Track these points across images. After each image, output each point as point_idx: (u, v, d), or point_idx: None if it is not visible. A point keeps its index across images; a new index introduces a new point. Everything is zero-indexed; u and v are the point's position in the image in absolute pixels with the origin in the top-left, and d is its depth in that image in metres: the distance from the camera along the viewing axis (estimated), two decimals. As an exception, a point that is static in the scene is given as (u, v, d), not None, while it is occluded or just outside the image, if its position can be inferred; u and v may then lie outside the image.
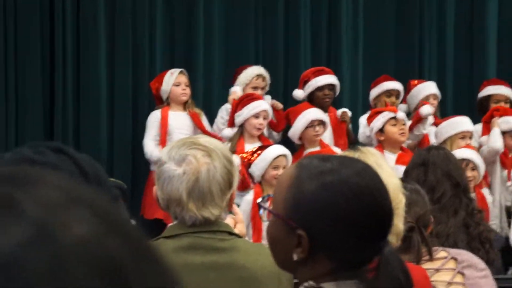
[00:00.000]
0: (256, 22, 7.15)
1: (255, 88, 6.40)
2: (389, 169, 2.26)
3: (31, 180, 0.54)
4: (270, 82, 6.59)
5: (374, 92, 6.64)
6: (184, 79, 6.30)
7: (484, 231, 3.76)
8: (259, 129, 5.96)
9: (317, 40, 7.25)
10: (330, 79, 6.43)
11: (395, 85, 6.63)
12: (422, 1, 7.38)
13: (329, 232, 1.57)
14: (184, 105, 6.31)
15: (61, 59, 6.78)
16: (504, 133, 6.18)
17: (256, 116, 5.93)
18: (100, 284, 0.52)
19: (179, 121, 6.24)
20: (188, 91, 6.29)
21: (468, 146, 5.77)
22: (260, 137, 6.03)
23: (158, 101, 6.38)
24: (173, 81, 6.26)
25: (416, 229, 2.66)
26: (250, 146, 5.76)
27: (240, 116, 5.97)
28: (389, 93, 6.59)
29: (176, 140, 6.22)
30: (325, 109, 6.34)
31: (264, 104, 6.01)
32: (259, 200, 1.80)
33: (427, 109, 6.18)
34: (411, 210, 2.60)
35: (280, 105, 6.46)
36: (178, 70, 6.33)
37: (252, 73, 6.44)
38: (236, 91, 6.34)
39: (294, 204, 1.60)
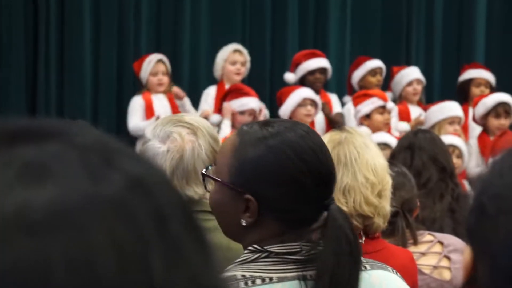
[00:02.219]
0: (244, 3, 7.09)
1: (233, 63, 6.35)
2: (376, 149, 2.23)
3: (117, 144, 0.60)
4: (253, 62, 6.53)
5: (358, 74, 6.57)
6: (161, 67, 6.22)
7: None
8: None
9: (305, 24, 7.20)
10: (321, 62, 6.39)
11: (378, 63, 6.59)
12: (410, -15, 7.36)
13: (276, 193, 1.60)
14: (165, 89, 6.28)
15: (44, 40, 6.69)
16: (486, 114, 6.13)
17: (242, 112, 5.90)
18: (186, 231, 0.58)
19: (162, 105, 6.19)
20: (165, 80, 6.21)
21: (455, 133, 5.74)
22: None
23: (141, 84, 6.34)
24: (150, 70, 6.20)
25: (400, 214, 2.63)
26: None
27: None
28: (373, 72, 6.55)
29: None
30: (316, 93, 6.30)
31: (252, 102, 5.95)
32: (203, 170, 1.80)
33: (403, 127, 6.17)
34: (396, 194, 2.57)
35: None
36: (156, 58, 6.24)
37: (228, 48, 6.40)
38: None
39: (240, 169, 1.61)
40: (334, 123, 6.28)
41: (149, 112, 6.19)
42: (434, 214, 3.60)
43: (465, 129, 6.35)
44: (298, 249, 1.60)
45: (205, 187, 1.80)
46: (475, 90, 6.55)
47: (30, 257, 0.52)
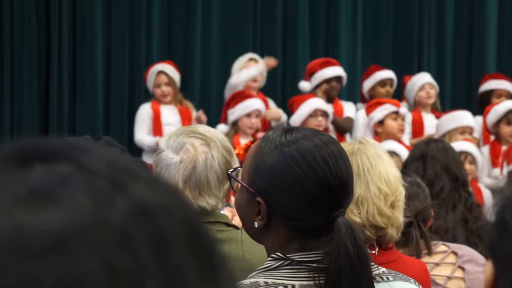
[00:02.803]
0: (255, 12, 7.11)
1: None
2: (389, 160, 2.22)
3: (130, 165, 0.60)
4: (267, 71, 6.55)
5: (368, 84, 6.59)
6: (163, 78, 6.21)
7: (482, 226, 3.71)
8: (251, 128, 5.93)
9: (315, 33, 7.21)
10: (337, 70, 6.39)
11: (388, 73, 6.59)
12: (421, -6, 7.36)
13: (284, 200, 1.64)
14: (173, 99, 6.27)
15: (57, 51, 6.73)
16: (498, 122, 6.09)
17: (248, 115, 5.90)
18: (191, 257, 0.58)
19: (170, 116, 6.20)
20: (168, 90, 6.20)
21: (467, 139, 5.71)
22: (254, 134, 5.99)
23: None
24: (153, 82, 6.22)
25: (415, 224, 2.62)
26: (245, 142, 5.71)
27: (233, 115, 5.94)
28: (383, 82, 6.55)
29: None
30: (330, 101, 6.31)
31: (257, 103, 5.97)
32: (230, 170, 1.86)
33: None
34: (410, 205, 2.56)
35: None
36: (157, 69, 6.24)
37: (244, 57, 6.45)
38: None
39: (256, 173, 1.67)
40: (342, 128, 6.29)
41: (156, 122, 6.19)
42: (447, 224, 3.59)
43: (486, 139, 6.32)
44: (320, 258, 1.62)
45: (232, 188, 1.84)
46: (496, 102, 6.51)
47: (19, 279, 0.52)
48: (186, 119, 6.21)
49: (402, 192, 2.19)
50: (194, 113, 6.30)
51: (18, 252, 0.53)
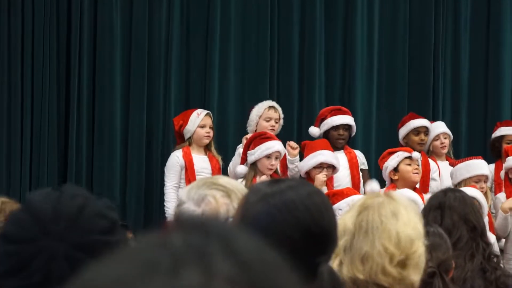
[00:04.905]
0: (271, 63, 7.14)
1: (268, 119, 6.41)
2: (405, 219, 2.14)
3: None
4: (284, 118, 6.54)
5: (403, 132, 6.60)
6: (209, 121, 6.23)
7: (501, 276, 3.73)
8: (270, 169, 5.94)
9: (331, 81, 7.24)
10: (345, 119, 6.38)
11: (422, 122, 6.59)
12: (436, 42, 7.36)
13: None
14: (205, 148, 6.25)
15: (76, 100, 6.73)
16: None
17: (268, 156, 5.93)
18: None
19: (200, 164, 6.17)
20: (211, 134, 6.23)
21: (474, 185, 5.73)
22: (272, 175, 6.00)
23: (179, 139, 6.28)
24: (199, 122, 6.19)
25: (437, 275, 2.65)
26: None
27: (253, 156, 5.93)
28: (417, 131, 6.56)
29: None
30: (340, 148, 6.32)
31: (277, 144, 5.96)
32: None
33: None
34: (433, 255, 2.58)
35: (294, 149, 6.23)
36: (205, 111, 6.28)
37: (263, 105, 6.45)
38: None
39: (242, 222, 1.72)
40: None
41: (191, 171, 6.10)
42: (465, 274, 3.61)
43: (500, 185, 6.33)
44: None
45: None
46: (504, 147, 6.52)
47: None
48: (215, 168, 6.19)
49: (418, 250, 2.12)
50: (221, 163, 6.28)
51: None
